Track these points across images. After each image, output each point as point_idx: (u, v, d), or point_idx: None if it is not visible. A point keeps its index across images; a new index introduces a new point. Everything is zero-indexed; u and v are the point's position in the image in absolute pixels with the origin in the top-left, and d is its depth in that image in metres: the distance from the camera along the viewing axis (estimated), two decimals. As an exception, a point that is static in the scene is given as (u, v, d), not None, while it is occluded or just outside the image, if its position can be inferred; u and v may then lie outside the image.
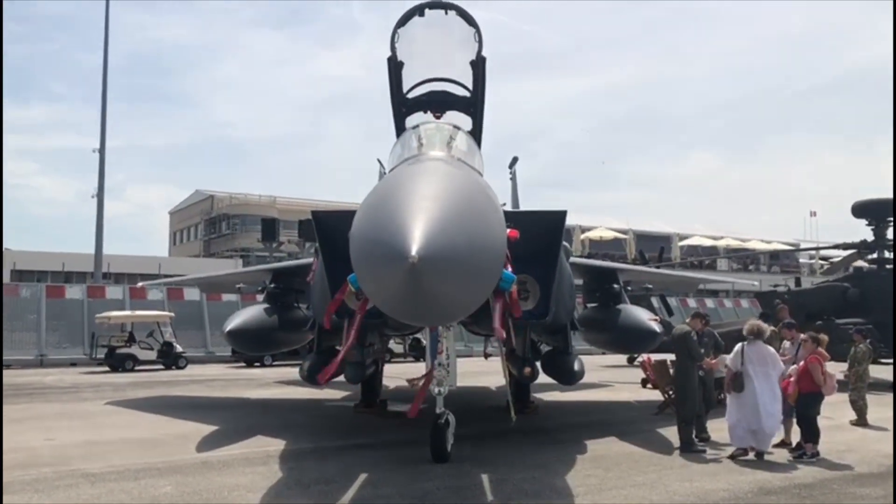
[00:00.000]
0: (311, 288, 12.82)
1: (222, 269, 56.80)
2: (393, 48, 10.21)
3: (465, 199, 6.97)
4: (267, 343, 15.55)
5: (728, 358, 11.01)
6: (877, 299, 20.81)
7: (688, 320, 11.95)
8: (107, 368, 25.57)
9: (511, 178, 17.85)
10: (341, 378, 14.06)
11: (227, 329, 13.78)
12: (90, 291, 30.58)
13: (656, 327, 13.92)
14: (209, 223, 74.38)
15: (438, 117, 10.47)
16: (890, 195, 22.78)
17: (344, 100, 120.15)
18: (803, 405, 10.78)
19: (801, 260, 64.03)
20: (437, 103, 10.49)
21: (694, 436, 11.33)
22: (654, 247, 46.15)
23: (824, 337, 11.18)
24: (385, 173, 19.06)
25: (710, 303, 40.13)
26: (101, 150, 37.92)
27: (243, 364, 28.03)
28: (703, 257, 53.05)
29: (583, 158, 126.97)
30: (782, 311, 16.26)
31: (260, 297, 21.53)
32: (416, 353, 27.89)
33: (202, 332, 30.63)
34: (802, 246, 59.73)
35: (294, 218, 57.32)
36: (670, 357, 16.61)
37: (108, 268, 40.56)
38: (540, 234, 10.37)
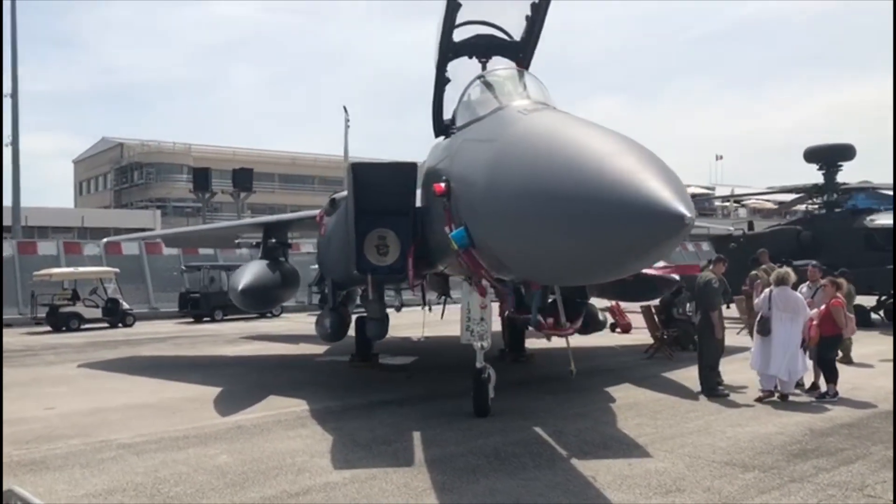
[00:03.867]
0: (324, 242, 12.28)
1: (141, 220, 54.62)
2: None
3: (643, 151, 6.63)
4: (272, 299, 14.97)
5: (756, 301, 11.24)
6: (828, 241, 21.76)
7: (711, 267, 12.10)
8: (48, 328, 24.18)
9: None
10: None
11: (241, 288, 13.11)
12: (21, 247, 28.63)
13: (674, 276, 14.09)
14: (120, 172, 71.18)
15: (484, 63, 10.06)
16: (834, 141, 23.81)
17: (244, 43, 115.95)
18: (824, 347, 11.15)
19: (716, 203, 66.34)
20: (484, 47, 10.03)
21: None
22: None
23: (843, 281, 11.53)
24: (348, 119, 18.36)
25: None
26: (14, 95, 35.64)
27: (191, 320, 27.09)
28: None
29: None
30: (763, 255, 16.76)
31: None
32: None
33: (144, 288, 29.32)
34: (717, 191, 61.86)
35: (210, 166, 55.45)
36: (654, 303, 17.02)
37: (26, 221, 38.27)
38: None
